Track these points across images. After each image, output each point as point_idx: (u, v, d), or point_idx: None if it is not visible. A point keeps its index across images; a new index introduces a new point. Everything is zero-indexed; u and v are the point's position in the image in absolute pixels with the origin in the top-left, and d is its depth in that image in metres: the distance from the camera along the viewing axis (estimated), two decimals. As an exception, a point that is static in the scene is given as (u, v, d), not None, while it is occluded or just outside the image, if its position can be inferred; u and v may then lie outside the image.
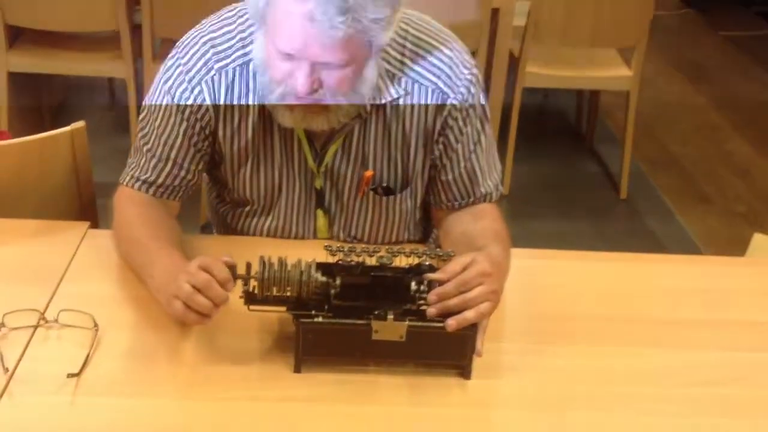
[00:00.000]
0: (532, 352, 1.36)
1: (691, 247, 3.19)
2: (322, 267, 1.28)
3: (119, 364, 1.28)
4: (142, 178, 1.50)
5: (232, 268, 1.25)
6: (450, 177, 1.53)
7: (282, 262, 1.26)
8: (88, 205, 1.72)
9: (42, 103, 3.55)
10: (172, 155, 1.49)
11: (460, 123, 1.50)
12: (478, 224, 1.50)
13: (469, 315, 1.25)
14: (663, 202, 3.47)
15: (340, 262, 1.30)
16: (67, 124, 1.69)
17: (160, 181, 1.50)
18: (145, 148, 1.50)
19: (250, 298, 1.26)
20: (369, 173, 1.52)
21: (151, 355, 1.30)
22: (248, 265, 1.26)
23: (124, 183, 1.52)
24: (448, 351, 1.28)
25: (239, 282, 1.25)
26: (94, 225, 1.64)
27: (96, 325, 1.31)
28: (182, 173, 1.50)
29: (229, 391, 1.23)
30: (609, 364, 1.35)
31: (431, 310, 1.25)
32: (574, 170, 3.66)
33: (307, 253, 1.51)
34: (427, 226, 1.69)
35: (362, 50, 1.34)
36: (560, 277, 1.55)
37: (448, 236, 1.55)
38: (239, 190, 1.56)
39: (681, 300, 1.52)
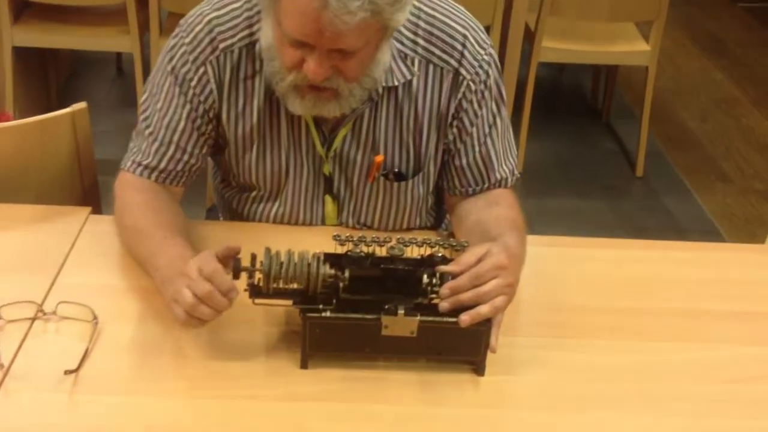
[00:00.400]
0: (549, 347, 1.30)
1: (708, 226, 3.13)
2: (330, 258, 1.23)
3: (119, 359, 1.23)
4: (144, 163, 1.45)
5: (236, 258, 1.20)
6: (464, 162, 1.48)
7: (289, 254, 1.20)
8: (90, 189, 1.67)
9: (48, 78, 3.50)
10: (175, 139, 1.43)
11: (475, 106, 1.44)
12: (492, 212, 1.44)
13: (484, 310, 1.19)
14: (680, 180, 3.40)
15: (349, 252, 1.25)
16: (74, 100, 1.64)
17: (162, 166, 1.44)
18: (146, 132, 1.45)
19: (255, 291, 1.20)
20: (379, 158, 1.46)
21: (153, 349, 1.25)
22: (253, 257, 1.21)
23: (126, 168, 1.46)
24: (461, 347, 1.23)
25: (244, 273, 1.21)
26: (96, 210, 1.59)
27: (95, 317, 1.27)
28: (185, 158, 1.45)
29: (234, 389, 1.19)
30: (629, 360, 1.29)
31: (444, 305, 1.20)
32: (589, 147, 3.59)
33: (315, 241, 1.48)
34: (439, 212, 1.63)
35: (377, 33, 1.27)
36: (577, 266, 1.50)
37: (461, 224, 1.49)
38: (244, 176, 1.51)
39: (703, 291, 1.46)
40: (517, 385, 1.24)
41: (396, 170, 1.48)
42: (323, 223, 1.54)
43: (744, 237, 3.06)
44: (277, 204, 1.53)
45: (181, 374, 1.21)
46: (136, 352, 1.24)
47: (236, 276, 1.19)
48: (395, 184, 1.49)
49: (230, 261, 1.20)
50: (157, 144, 1.44)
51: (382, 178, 1.48)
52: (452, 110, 1.43)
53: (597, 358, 1.29)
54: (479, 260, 1.23)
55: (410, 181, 1.49)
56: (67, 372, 1.18)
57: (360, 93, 1.35)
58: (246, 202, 1.56)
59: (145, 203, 1.41)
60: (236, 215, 1.59)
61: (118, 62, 3.83)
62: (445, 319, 1.20)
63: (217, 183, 1.63)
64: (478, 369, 1.24)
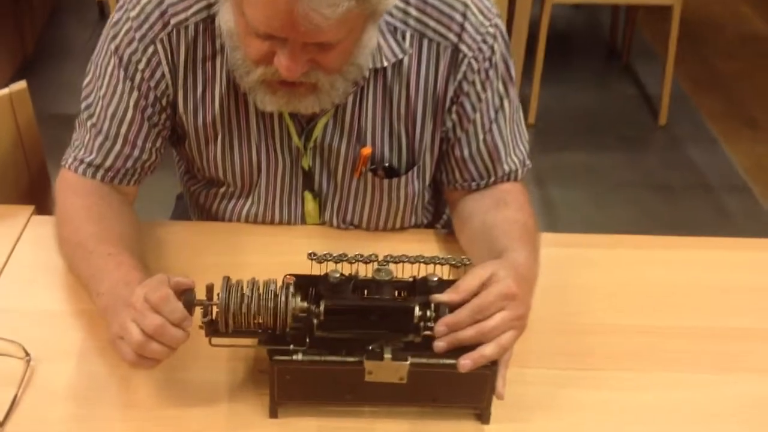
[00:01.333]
0: (566, 382, 1.09)
1: (737, 181, 2.90)
2: (303, 286, 1.02)
3: (53, 408, 1.02)
4: (87, 160, 1.23)
5: (188, 291, 0.99)
6: (466, 153, 1.25)
7: (252, 284, 0.99)
8: (37, 181, 1.45)
9: (23, 26, 3.24)
10: (122, 132, 1.21)
11: (478, 87, 1.21)
12: (500, 214, 1.22)
13: (487, 351, 0.99)
14: (706, 129, 3.15)
15: (327, 275, 1.04)
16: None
17: (108, 164, 1.23)
18: (89, 123, 1.22)
19: (211, 330, 1.00)
20: (366, 151, 1.24)
21: (96, 395, 1.05)
22: (209, 289, 0.99)
23: (67, 166, 1.24)
24: (461, 393, 1.02)
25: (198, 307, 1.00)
26: (44, 206, 1.37)
27: (27, 354, 1.07)
28: (135, 153, 1.23)
29: (189, 446, 1.00)
30: (666, 398, 1.08)
31: (439, 344, 0.99)
32: (607, 93, 3.33)
33: (294, 243, 1.29)
34: (437, 206, 1.41)
35: (362, 19, 1.05)
36: (598, 273, 1.28)
37: (464, 226, 1.27)
38: (210, 170, 1.29)
39: (763, 304, 1.24)
40: (528, 433, 1.04)
41: (386, 164, 1.26)
42: (303, 222, 1.33)
43: (776, 192, 2.83)
44: (249, 202, 1.31)
45: (126, 428, 1.01)
46: (76, 399, 1.04)
47: (188, 312, 0.99)
48: (386, 181, 1.27)
49: (182, 294, 1.00)
50: (101, 138, 1.22)
51: (370, 174, 1.26)
52: (451, 93, 1.20)
53: (626, 396, 1.08)
54: (482, 285, 1.02)
55: (403, 177, 1.27)
56: (-11, 430, 0.99)
57: (343, 85, 1.12)
58: (214, 199, 1.34)
59: (86, 210, 1.20)
60: (205, 212, 1.38)
61: (100, 3, 3.57)
62: (442, 361, 0.99)
63: (181, 173, 1.41)
64: (482, 416, 1.04)
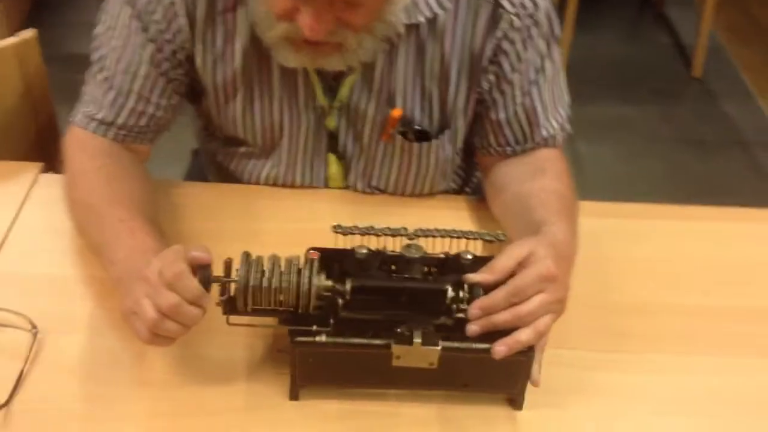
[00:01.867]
0: (606, 365, 1.03)
1: (772, 136, 2.79)
2: (327, 262, 0.95)
3: (62, 386, 0.97)
4: (98, 117, 1.15)
5: (205, 267, 0.92)
6: (502, 116, 1.17)
7: (273, 260, 0.93)
8: (46, 137, 1.38)
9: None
10: (136, 87, 1.14)
11: (519, 47, 1.12)
12: (536, 184, 1.14)
13: (524, 336, 0.92)
14: (742, 81, 3.03)
15: (353, 250, 0.97)
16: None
17: (121, 121, 1.15)
18: (100, 77, 1.15)
19: (230, 308, 0.94)
20: (397, 112, 1.16)
21: (108, 370, 0.99)
22: (227, 264, 0.93)
23: (76, 123, 1.17)
24: (493, 379, 0.96)
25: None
26: (52, 164, 1.30)
27: (34, 326, 1.01)
28: (150, 110, 1.15)
29: (205, 429, 0.94)
30: (715, 383, 1.02)
31: (472, 328, 0.92)
32: (640, 42, 3.20)
33: (316, 209, 1.22)
34: (468, 170, 1.34)
35: None
36: (639, 246, 1.20)
37: (497, 195, 1.19)
38: (229, 129, 1.21)
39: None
40: (565, 421, 0.97)
41: (417, 127, 1.18)
42: (326, 185, 1.26)
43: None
44: (270, 163, 1.24)
45: (141, 410, 0.95)
46: (86, 376, 0.98)
47: (205, 289, 0.92)
48: (416, 145, 1.19)
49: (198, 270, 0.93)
50: (113, 93, 1.14)
51: (399, 136, 1.18)
52: (489, 52, 1.12)
53: (670, 380, 1.02)
54: (519, 264, 0.95)
55: (434, 141, 1.19)
56: (-5, 409, 0.93)
57: (372, 44, 1.04)
58: (233, 158, 1.27)
59: (97, 171, 1.12)
60: (222, 171, 1.31)
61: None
62: (475, 346, 0.93)
63: (198, 129, 1.34)
64: (515, 402, 0.98)
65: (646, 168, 2.61)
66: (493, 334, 0.92)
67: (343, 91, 1.15)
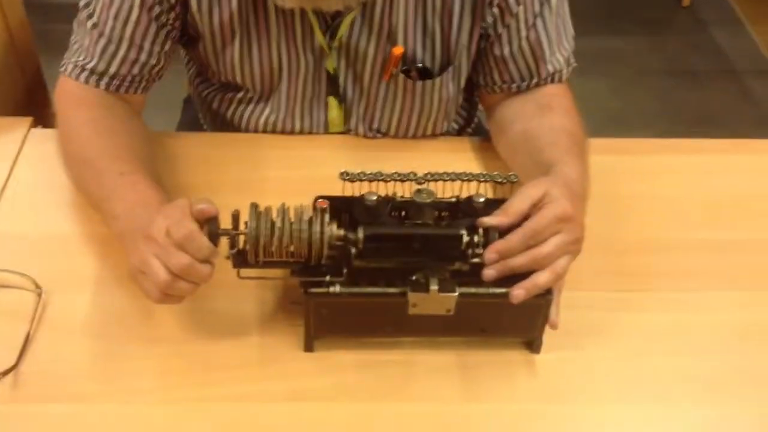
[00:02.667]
0: (623, 305, 1.02)
1: (762, 63, 2.76)
2: (335, 210, 0.92)
3: (71, 344, 0.95)
4: (89, 66, 1.11)
5: (212, 221, 0.89)
6: (507, 51, 1.14)
7: (282, 211, 0.90)
8: (33, 87, 1.33)
9: None
10: (127, 34, 1.09)
11: None
12: (545, 121, 1.11)
13: (542, 279, 0.90)
14: (731, 9, 2.99)
15: (363, 197, 0.94)
16: None
17: (113, 70, 1.11)
18: (89, 23, 1.10)
19: (240, 261, 0.91)
20: (398, 50, 1.12)
21: (116, 329, 0.97)
22: (235, 217, 0.90)
23: (67, 73, 1.13)
24: (511, 324, 0.95)
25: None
26: (43, 118, 1.26)
27: (38, 287, 0.98)
28: (143, 57, 1.11)
29: (219, 385, 0.92)
30: (734, 318, 1.01)
31: (489, 272, 0.90)
32: (627, -29, 3.15)
33: (319, 155, 1.19)
34: (470, 110, 1.31)
35: None
36: (646, 181, 1.19)
37: (502, 133, 1.17)
38: (226, 74, 1.17)
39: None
40: (584, 364, 0.96)
41: (419, 65, 1.15)
42: (326, 130, 1.23)
43: (805, 77, 2.71)
44: (268, 108, 1.21)
45: (152, 367, 0.93)
46: (93, 335, 0.96)
47: (213, 243, 0.90)
48: (418, 84, 1.16)
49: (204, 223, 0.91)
50: (104, 41, 1.10)
51: (401, 75, 1.15)
52: None
53: (686, 318, 1.01)
54: (533, 206, 0.93)
55: (437, 80, 1.16)
56: (4, 373, 0.91)
57: None
58: (230, 104, 1.23)
59: (92, 123, 1.09)
60: (218, 118, 1.27)
61: None
62: (492, 290, 0.91)
63: (191, 75, 1.30)
64: (533, 346, 0.97)
65: (638, 100, 2.59)
66: (510, 278, 0.90)
67: (342, 30, 1.11)
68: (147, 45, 1.10)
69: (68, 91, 1.12)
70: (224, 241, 0.90)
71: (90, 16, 1.10)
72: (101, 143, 1.06)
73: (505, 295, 0.90)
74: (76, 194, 1.10)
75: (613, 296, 1.03)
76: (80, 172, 1.07)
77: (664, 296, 1.03)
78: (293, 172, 1.16)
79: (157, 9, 1.08)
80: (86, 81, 1.11)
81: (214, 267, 0.88)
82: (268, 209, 0.90)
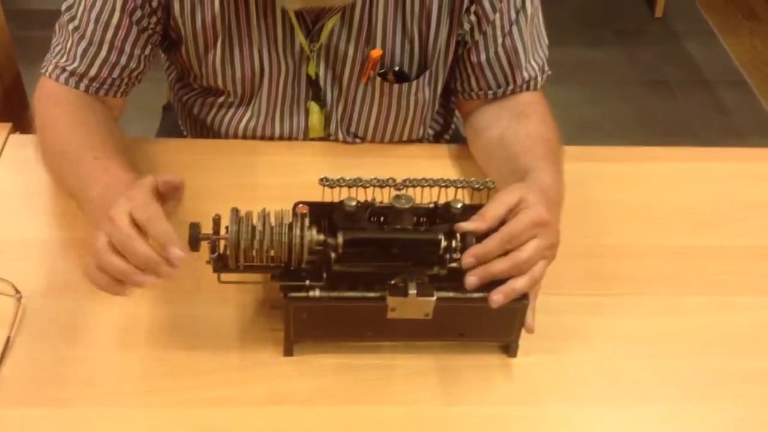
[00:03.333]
0: (598, 309, 1.03)
1: (735, 76, 2.81)
2: (315, 215, 0.93)
3: (51, 349, 0.95)
4: (70, 68, 1.11)
5: (193, 224, 0.90)
6: (483, 58, 1.15)
7: (263, 216, 0.91)
8: (12, 93, 1.33)
9: None
10: (108, 37, 1.10)
11: None
12: (520, 128, 1.13)
13: (519, 284, 0.91)
14: (704, 21, 3.03)
15: (343, 203, 0.95)
16: None
17: (93, 72, 1.12)
18: (71, 26, 1.11)
19: (220, 266, 0.92)
20: (377, 53, 1.14)
21: (95, 333, 0.97)
22: (215, 221, 0.91)
23: (47, 74, 1.13)
24: (489, 328, 0.96)
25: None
26: (21, 122, 1.26)
27: (18, 291, 0.98)
28: (123, 61, 1.12)
29: (198, 389, 0.92)
30: (705, 323, 1.03)
31: (471, 280, 0.91)
32: (602, -17, 3.19)
33: (299, 162, 1.20)
34: (447, 116, 1.32)
35: None
36: (621, 188, 1.21)
37: (478, 139, 1.18)
38: (208, 78, 1.18)
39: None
40: (560, 367, 0.97)
41: (397, 68, 1.16)
42: (306, 136, 1.24)
43: (775, 87, 2.75)
44: (249, 113, 1.22)
45: (132, 371, 0.94)
46: (73, 340, 0.96)
47: (194, 247, 0.90)
48: (396, 87, 1.17)
49: (173, 194, 0.91)
50: (85, 43, 1.10)
51: (378, 79, 1.16)
52: None
53: (661, 322, 1.02)
54: (510, 211, 0.94)
55: (414, 83, 1.17)
56: (-18, 377, 0.91)
57: None
58: (210, 109, 1.24)
59: (69, 116, 1.09)
60: (198, 124, 1.28)
61: None
62: (470, 295, 0.92)
63: (171, 80, 1.31)
64: (510, 350, 0.98)
65: (613, 109, 2.62)
66: (488, 283, 0.92)
67: (324, 35, 1.12)
68: (128, 48, 1.11)
69: (48, 91, 1.13)
70: (205, 246, 0.90)
71: (72, 19, 1.10)
72: (77, 135, 1.06)
73: (482, 300, 0.91)
74: (54, 199, 1.11)
75: (588, 300, 1.04)
76: (56, 162, 1.07)
77: (638, 300, 1.05)
78: (274, 179, 1.17)
79: (138, 13, 1.09)
80: (66, 82, 1.12)
81: (178, 265, 0.86)
82: (248, 214, 0.91)
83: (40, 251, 1.06)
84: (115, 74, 1.13)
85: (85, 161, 1.03)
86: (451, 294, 0.92)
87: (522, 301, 0.93)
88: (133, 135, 1.22)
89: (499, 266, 0.91)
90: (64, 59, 1.12)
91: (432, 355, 0.97)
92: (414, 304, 0.91)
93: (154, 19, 1.11)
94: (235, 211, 0.90)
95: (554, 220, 0.96)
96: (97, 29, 1.10)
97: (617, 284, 1.07)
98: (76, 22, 1.10)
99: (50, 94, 1.13)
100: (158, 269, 0.86)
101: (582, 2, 3.07)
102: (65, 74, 1.12)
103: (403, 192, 0.96)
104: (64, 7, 1.12)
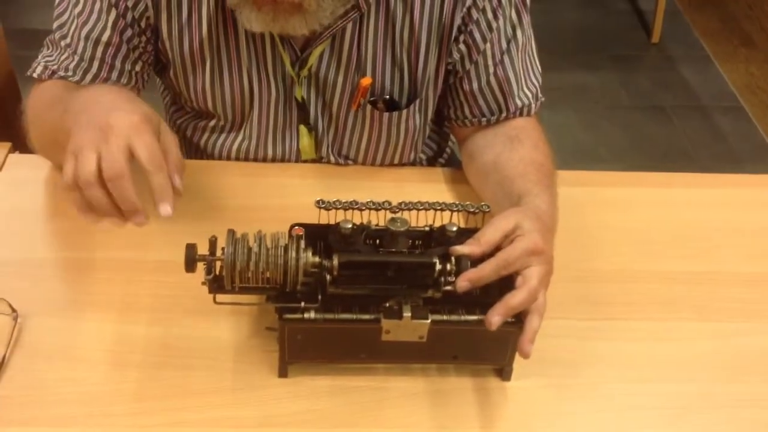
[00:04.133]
0: (593, 333, 1.04)
1: (731, 101, 2.83)
2: (310, 237, 0.94)
3: (47, 368, 0.95)
4: (63, 75, 1.12)
5: (189, 245, 0.90)
6: (475, 87, 1.16)
7: (259, 237, 0.92)
8: (12, 113, 1.34)
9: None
10: (98, 54, 1.11)
11: (489, 15, 1.11)
12: (514, 153, 1.14)
13: (515, 301, 0.90)
14: (700, 47, 3.06)
15: (338, 226, 0.96)
16: None
17: (87, 83, 1.12)
18: (63, 43, 1.12)
19: (216, 287, 0.92)
20: (367, 81, 1.15)
21: (90, 353, 0.97)
22: (212, 242, 0.92)
23: (36, 74, 1.14)
24: (483, 351, 0.96)
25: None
26: (20, 141, 1.27)
27: (14, 310, 0.99)
28: (114, 76, 1.13)
29: (192, 410, 0.92)
30: (696, 348, 1.03)
31: (496, 320, 0.89)
32: (598, 8, 3.21)
33: (291, 184, 1.22)
34: (441, 142, 1.33)
35: None
36: (613, 212, 1.22)
37: (473, 163, 1.19)
38: (198, 101, 1.19)
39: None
40: (554, 391, 0.98)
41: (387, 96, 1.17)
42: (298, 158, 1.25)
43: (771, 114, 2.77)
44: (240, 136, 1.23)
45: (127, 391, 0.94)
46: (68, 360, 0.96)
47: (190, 268, 0.91)
48: (385, 115, 1.18)
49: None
50: (77, 59, 1.12)
51: (369, 106, 1.17)
52: (458, 21, 1.11)
53: (654, 347, 1.03)
54: (505, 237, 0.95)
55: (404, 111, 1.18)
56: (-24, 397, 0.91)
57: (331, 5, 1.03)
58: (203, 133, 1.25)
59: (58, 87, 1.09)
60: (192, 146, 1.29)
61: None
62: (464, 318, 0.93)
63: (167, 104, 1.32)
64: (504, 374, 0.98)
65: (608, 134, 2.63)
66: (482, 305, 0.92)
67: (312, 60, 1.13)
68: (118, 64, 1.12)
69: (40, 88, 1.13)
70: (201, 267, 0.91)
71: (63, 37, 1.12)
72: (66, 93, 1.03)
73: (477, 323, 0.92)
74: (52, 219, 1.11)
75: (581, 325, 1.05)
76: (44, 113, 1.06)
77: (631, 325, 1.05)
78: (269, 201, 1.18)
79: (129, 32, 1.10)
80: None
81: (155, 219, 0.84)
82: (245, 236, 0.91)
83: (37, 270, 1.06)
84: None
85: (71, 89, 1.01)
86: (445, 317, 0.93)
87: (516, 323, 0.93)
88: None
89: (516, 299, 0.90)
90: (57, 68, 1.13)
91: (426, 378, 0.97)
92: (408, 327, 0.91)
93: (143, 38, 1.12)
94: (232, 233, 0.91)
95: (549, 247, 0.97)
96: (87, 46, 1.11)
97: (610, 309, 1.07)
98: (68, 39, 1.12)
99: (42, 89, 1.12)
100: (135, 219, 0.84)
101: (578, 27, 3.09)
102: (58, 76, 1.12)
103: (398, 215, 0.96)
104: (55, 25, 1.14)
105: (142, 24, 1.11)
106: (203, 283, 0.92)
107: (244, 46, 1.13)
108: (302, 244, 0.92)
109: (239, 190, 1.20)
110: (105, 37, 1.11)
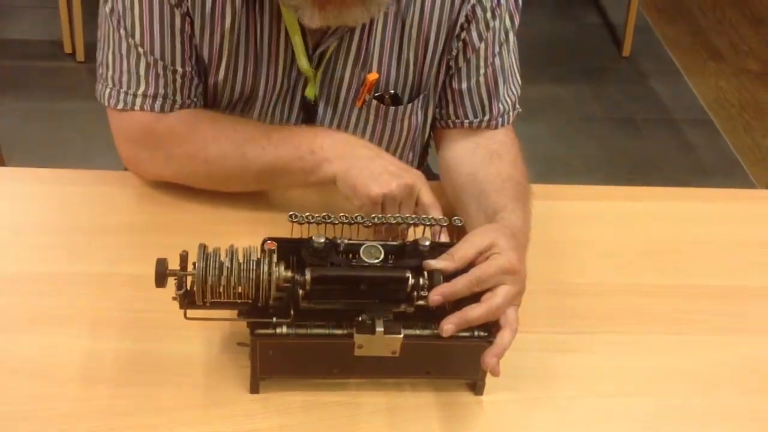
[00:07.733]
0: (565, 346, 1.04)
1: (700, 115, 2.86)
2: (283, 251, 0.93)
3: (16, 385, 0.94)
4: (152, 93, 1.11)
5: (159, 260, 0.90)
6: (464, 86, 1.17)
7: (231, 252, 0.91)
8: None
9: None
10: (177, 56, 1.11)
11: (488, 15, 1.13)
12: (492, 168, 1.14)
13: (474, 314, 0.91)
14: (669, 60, 3.09)
15: (311, 240, 0.95)
16: None
17: (170, 93, 1.12)
18: (133, 56, 1.10)
19: (187, 302, 0.92)
20: (373, 76, 1.15)
21: (60, 370, 0.95)
22: (183, 257, 0.91)
23: (128, 107, 1.12)
24: (455, 365, 0.97)
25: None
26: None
27: (-19, 327, 0.98)
28: (190, 75, 1.13)
29: (162, 427, 0.92)
30: (667, 361, 1.04)
31: (448, 327, 0.90)
32: (570, 22, 3.24)
33: (266, 195, 1.19)
34: (420, 158, 1.34)
35: None
36: (584, 226, 1.22)
37: (450, 174, 1.18)
38: (205, 100, 1.18)
39: (749, 259, 1.20)
40: (526, 405, 0.98)
41: (392, 92, 1.18)
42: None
43: (739, 127, 2.80)
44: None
45: (95, 408, 0.93)
46: (38, 377, 0.95)
47: (161, 284, 0.90)
48: (390, 109, 1.19)
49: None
50: (161, 64, 1.10)
51: (374, 102, 1.18)
52: (461, 19, 1.13)
53: (627, 360, 1.04)
54: (479, 254, 0.95)
55: (408, 106, 1.19)
56: (-58, 414, 0.90)
57: None
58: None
59: (209, 122, 1.14)
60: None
61: None
62: (437, 332, 0.92)
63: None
64: (476, 388, 0.98)
65: (580, 147, 2.65)
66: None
67: (326, 59, 1.14)
68: (192, 61, 1.12)
69: (142, 126, 1.12)
70: (171, 282, 0.90)
71: (136, 46, 1.09)
72: (227, 130, 1.13)
73: (449, 338, 0.92)
74: (25, 234, 1.10)
75: (552, 338, 1.05)
76: (234, 160, 1.11)
77: (602, 338, 1.06)
78: (241, 213, 1.17)
79: (188, 28, 1.10)
80: (161, 109, 1.12)
81: None
82: (216, 250, 0.91)
83: (3, 287, 1.05)
84: (192, 91, 1.14)
85: (274, 131, 1.11)
86: (418, 332, 0.93)
87: (488, 338, 0.93)
88: (103, 167, 1.23)
89: (474, 313, 0.91)
90: (136, 87, 1.11)
91: (399, 393, 0.97)
92: (381, 342, 0.91)
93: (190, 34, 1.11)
94: (203, 248, 0.90)
95: (523, 266, 0.97)
96: (163, 46, 1.09)
97: (581, 322, 1.08)
98: (140, 49, 1.09)
99: (148, 129, 1.12)
100: None
101: (550, 40, 3.11)
102: (158, 102, 1.11)
103: (374, 244, 0.95)
104: (114, 38, 1.10)
105: (187, 21, 1.09)
106: (174, 299, 0.91)
107: (266, 43, 1.12)
108: (274, 258, 0.91)
109: (213, 202, 1.19)
110: (178, 40, 1.10)
